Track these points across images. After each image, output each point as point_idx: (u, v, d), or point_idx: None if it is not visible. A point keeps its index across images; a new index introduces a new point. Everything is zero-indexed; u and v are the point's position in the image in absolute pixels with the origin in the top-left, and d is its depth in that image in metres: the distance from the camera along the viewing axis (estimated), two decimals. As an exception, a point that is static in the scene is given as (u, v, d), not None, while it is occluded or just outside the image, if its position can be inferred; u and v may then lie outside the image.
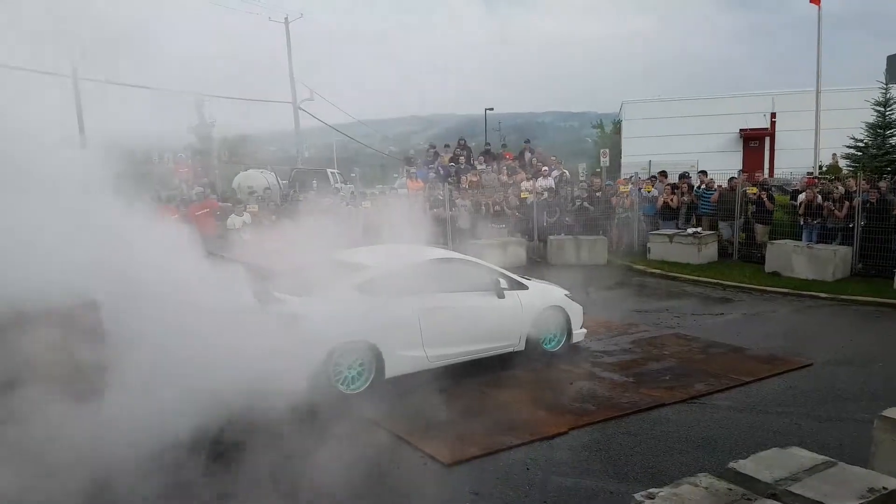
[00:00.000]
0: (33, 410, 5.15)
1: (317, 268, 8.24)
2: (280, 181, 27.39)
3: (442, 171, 20.47)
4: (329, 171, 31.23)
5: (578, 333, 9.21)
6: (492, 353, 8.36)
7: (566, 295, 9.24)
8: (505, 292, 8.46)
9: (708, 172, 18.53)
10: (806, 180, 17.07)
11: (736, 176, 17.21)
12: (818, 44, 23.71)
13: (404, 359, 7.58)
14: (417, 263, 8.14)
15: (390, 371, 7.46)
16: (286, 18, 38.89)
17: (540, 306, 8.76)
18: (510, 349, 8.52)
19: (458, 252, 9.95)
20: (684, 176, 18.76)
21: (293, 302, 7.19)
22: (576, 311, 9.19)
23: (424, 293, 7.81)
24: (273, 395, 6.66)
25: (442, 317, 7.82)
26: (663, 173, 19.22)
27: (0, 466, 4.86)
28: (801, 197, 15.77)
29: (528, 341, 8.61)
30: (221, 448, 6.08)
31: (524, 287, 8.80)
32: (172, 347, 5.97)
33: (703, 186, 17.99)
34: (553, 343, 8.95)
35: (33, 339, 5.33)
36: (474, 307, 8.21)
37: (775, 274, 14.36)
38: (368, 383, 7.33)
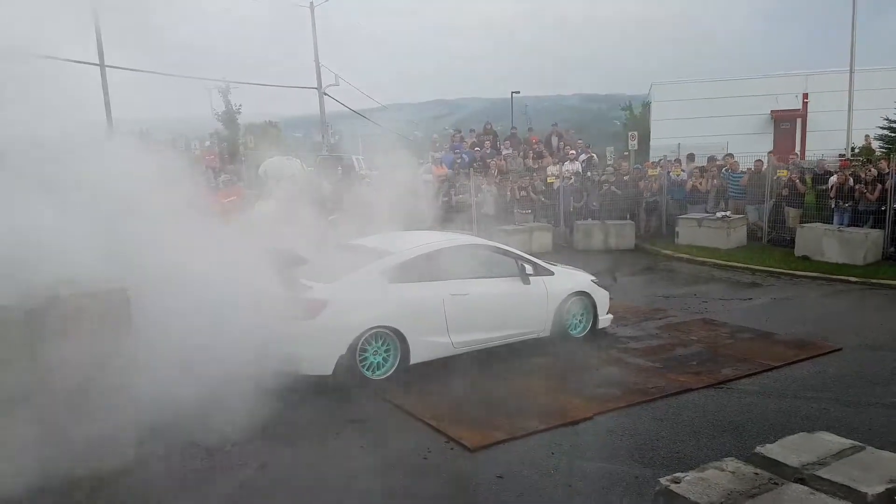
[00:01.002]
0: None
1: (342, 254, 8.29)
2: (306, 168, 27.44)
3: (466, 157, 20.41)
4: (354, 157, 31.30)
5: (604, 319, 9.17)
6: (517, 339, 8.36)
7: (592, 280, 9.21)
8: (531, 278, 8.45)
9: (735, 155, 18.25)
10: (840, 163, 16.75)
11: (762, 159, 16.94)
12: (853, 23, 23.23)
13: (429, 345, 7.60)
14: (443, 249, 8.14)
15: (415, 357, 7.50)
16: (311, 3, 38.90)
17: (566, 292, 8.73)
18: (535, 335, 8.51)
19: (484, 238, 9.92)
20: (711, 159, 18.51)
21: (319, 288, 7.25)
22: (602, 297, 9.15)
23: (450, 279, 7.84)
24: (299, 380, 6.79)
25: (467, 303, 7.84)
26: (691, 156, 19.00)
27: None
28: (833, 179, 15.50)
29: (553, 327, 8.60)
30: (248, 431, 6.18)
31: (550, 273, 8.77)
32: (194, 334, 6.06)
33: (727, 169, 17.75)
34: (579, 329, 8.93)
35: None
36: (500, 293, 8.22)
37: (805, 258, 14.16)
38: (394, 369, 7.37)
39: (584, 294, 8.94)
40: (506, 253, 8.74)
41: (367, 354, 7.25)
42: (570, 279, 9.06)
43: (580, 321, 8.95)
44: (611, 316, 9.34)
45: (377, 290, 7.43)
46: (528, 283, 8.40)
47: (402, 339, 7.40)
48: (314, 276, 7.43)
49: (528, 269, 8.56)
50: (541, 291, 8.49)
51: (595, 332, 9.02)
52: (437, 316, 7.66)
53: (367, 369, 7.25)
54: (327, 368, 6.99)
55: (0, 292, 5.02)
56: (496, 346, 8.18)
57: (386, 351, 7.38)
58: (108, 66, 28.22)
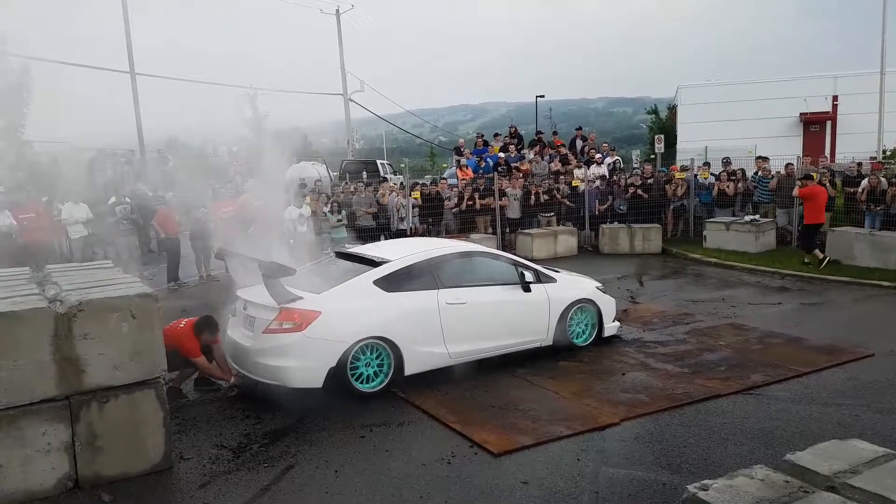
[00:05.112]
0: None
1: (334, 262, 8.21)
2: (331, 173, 27.75)
3: (490, 161, 20.39)
4: (379, 161, 31.56)
5: (610, 327, 8.99)
6: (518, 348, 8.18)
7: (597, 287, 9.06)
8: (531, 285, 8.25)
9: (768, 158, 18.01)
10: (872, 165, 16.48)
11: (793, 162, 16.72)
12: (883, 23, 22.89)
13: (424, 355, 7.41)
14: (438, 257, 7.96)
15: (410, 368, 7.30)
16: (337, 11, 39.28)
17: (569, 299, 8.53)
18: (537, 344, 8.31)
19: (488, 245, 9.74)
20: (726, 162, 18.20)
21: (309, 298, 7.05)
22: (607, 304, 8.97)
23: (446, 288, 7.69)
24: (287, 392, 6.80)
25: (464, 312, 7.67)
26: (727, 160, 18.66)
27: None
28: (864, 183, 15.26)
29: (555, 336, 8.39)
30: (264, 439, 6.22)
31: (552, 280, 8.59)
32: None
33: (759, 173, 17.54)
34: (583, 338, 8.72)
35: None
36: (498, 301, 8.02)
37: (836, 262, 13.95)
38: (387, 381, 7.18)
39: (588, 301, 8.74)
40: (505, 260, 8.59)
41: (358, 366, 7.07)
42: (574, 286, 8.86)
43: (584, 329, 8.75)
44: (617, 323, 9.17)
45: (369, 300, 7.25)
46: (529, 291, 8.20)
47: (395, 349, 7.19)
48: (305, 286, 7.24)
49: (529, 276, 8.35)
50: (542, 299, 8.29)
51: (600, 341, 8.84)
52: (432, 326, 7.47)
53: (359, 381, 7.06)
54: (317, 381, 6.81)
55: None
56: (496, 355, 8.01)
57: (379, 363, 7.18)
58: (138, 74, 28.78)
